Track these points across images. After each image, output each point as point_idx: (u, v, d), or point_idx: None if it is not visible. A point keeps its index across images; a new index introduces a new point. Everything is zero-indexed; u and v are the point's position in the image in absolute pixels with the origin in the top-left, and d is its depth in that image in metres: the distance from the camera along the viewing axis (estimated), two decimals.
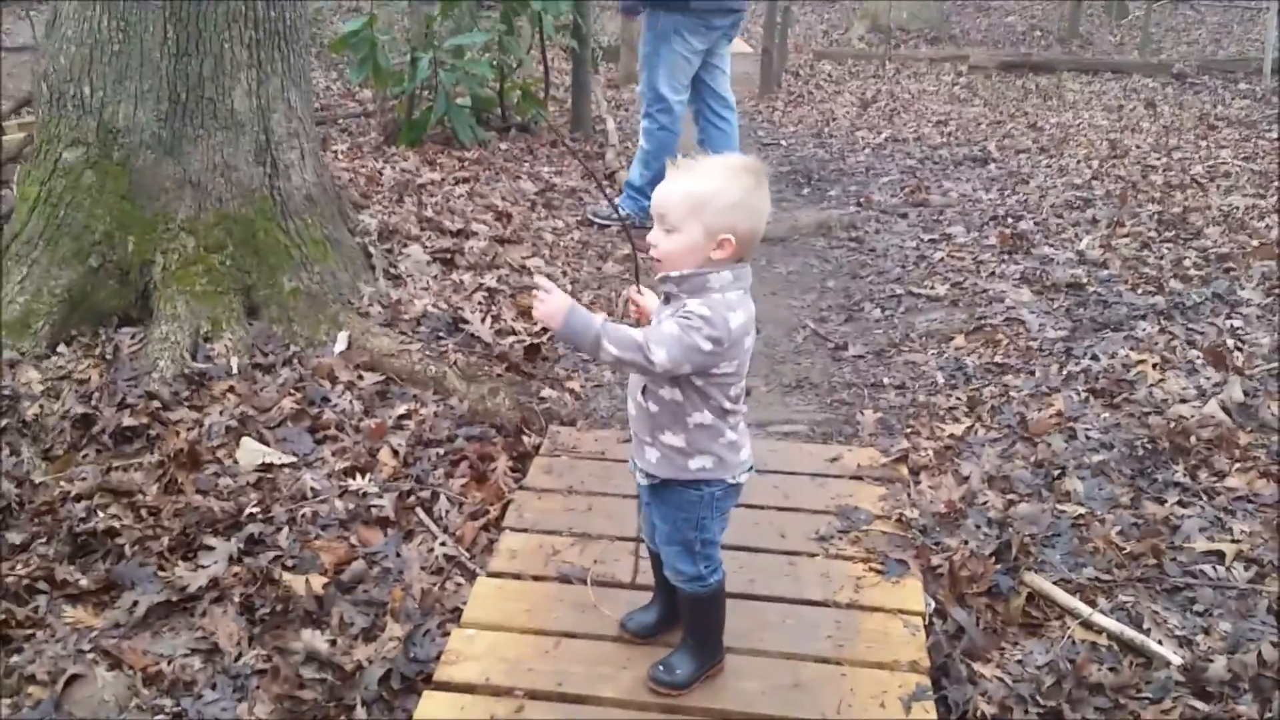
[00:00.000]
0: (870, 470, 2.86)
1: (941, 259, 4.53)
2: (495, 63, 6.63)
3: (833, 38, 13.86)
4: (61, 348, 3.25)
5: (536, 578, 2.42)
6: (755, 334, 1.94)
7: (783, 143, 7.48)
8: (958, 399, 3.31)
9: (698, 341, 1.80)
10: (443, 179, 5.29)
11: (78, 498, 2.58)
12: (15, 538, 2.43)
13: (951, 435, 3.08)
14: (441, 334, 3.54)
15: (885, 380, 3.50)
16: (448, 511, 2.68)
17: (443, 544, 2.56)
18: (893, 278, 4.39)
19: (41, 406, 2.98)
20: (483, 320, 3.62)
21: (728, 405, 1.92)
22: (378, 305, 3.61)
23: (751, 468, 2.03)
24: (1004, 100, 9.09)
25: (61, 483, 2.66)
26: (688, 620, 2.12)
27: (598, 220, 5.02)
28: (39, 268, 3.30)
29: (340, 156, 5.70)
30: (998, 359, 3.52)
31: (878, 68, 11.42)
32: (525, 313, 3.81)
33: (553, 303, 1.88)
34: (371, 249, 3.91)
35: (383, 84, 6.31)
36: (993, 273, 4.32)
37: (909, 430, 3.14)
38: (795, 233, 5.00)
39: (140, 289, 3.40)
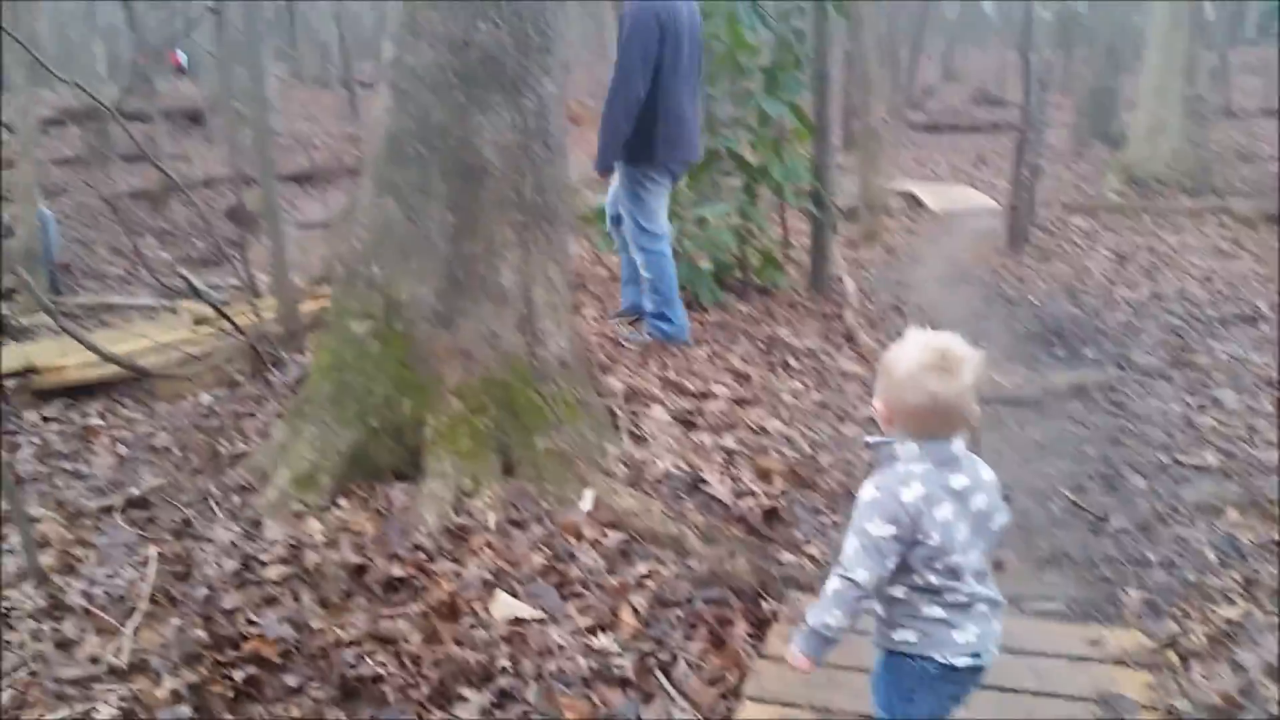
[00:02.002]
0: (1135, 655, 2.66)
1: (1210, 426, 4.23)
2: (736, 229, 6.91)
3: (1085, 191, 13.49)
4: (342, 501, 3.57)
5: None
6: (973, 511, 1.93)
7: (1032, 300, 7.28)
8: (1232, 579, 3.04)
9: (868, 528, 1.87)
10: (695, 344, 5.49)
11: (348, 643, 2.80)
12: (291, 680, 2.65)
13: (1226, 619, 2.82)
14: (682, 494, 3.63)
15: (1151, 556, 3.27)
16: (686, 676, 2.70)
17: (681, 710, 2.57)
18: (1157, 445, 4.14)
19: (322, 556, 3.27)
20: (722, 481, 3.69)
21: (927, 581, 1.92)
22: (622, 465, 3.75)
23: (978, 654, 1.95)
24: (1273, 254, 8.49)
25: (335, 628, 2.89)
26: None
27: (626, 341, 5.24)
28: (326, 427, 3.68)
29: (590, 321, 6.05)
30: (1276, 536, 3.22)
31: (1134, 221, 10.98)
32: (764, 474, 3.85)
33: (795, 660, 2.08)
34: (617, 410, 4.10)
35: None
36: (1268, 441, 3.98)
37: (1178, 612, 2.91)
38: (1048, 395, 4.82)
39: (413, 447, 3.70)
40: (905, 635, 1.95)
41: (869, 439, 1.97)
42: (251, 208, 10.36)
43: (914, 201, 14.21)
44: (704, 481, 3.66)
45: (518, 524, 3.44)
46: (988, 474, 2.01)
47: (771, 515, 3.53)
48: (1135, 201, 12.03)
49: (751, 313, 6.39)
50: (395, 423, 3.70)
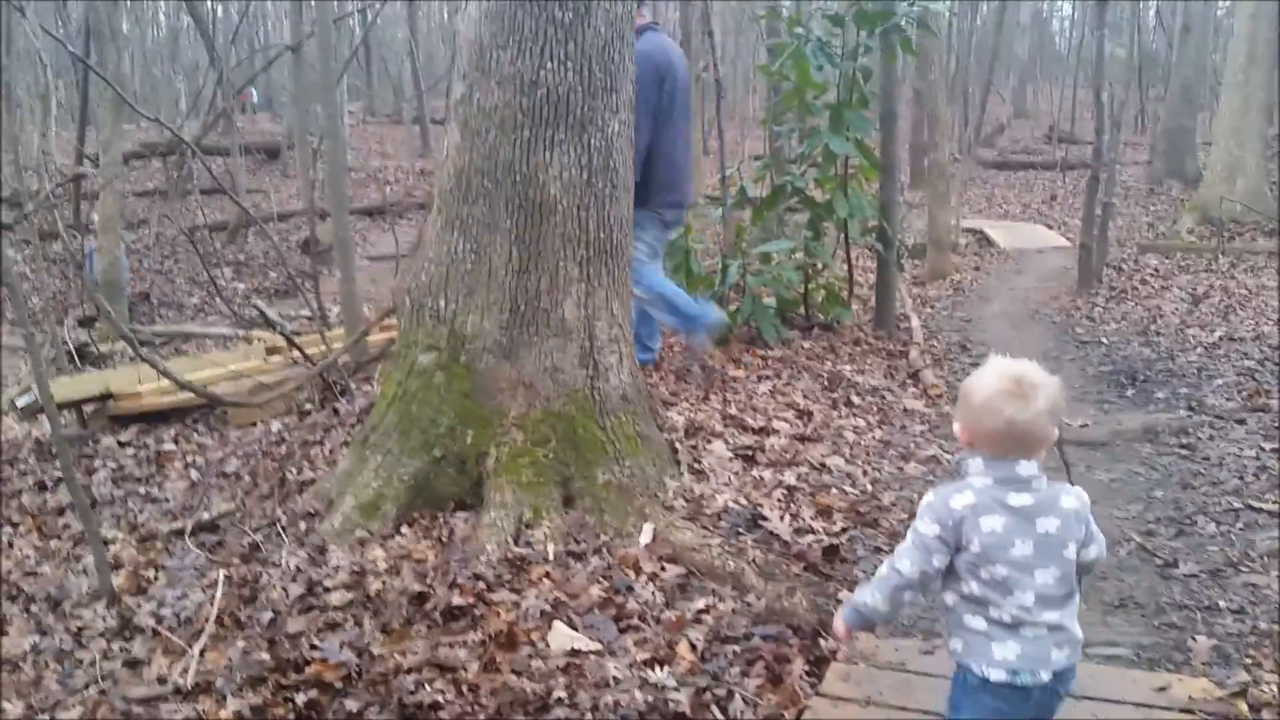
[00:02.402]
0: (1204, 704, 2.58)
1: None
2: (800, 265, 6.92)
3: (1158, 230, 13.26)
4: (405, 529, 3.63)
5: None
6: (1040, 532, 2.00)
7: (1104, 341, 7.15)
8: None
9: (918, 526, 2.05)
10: (747, 376, 5.50)
11: (408, 670, 2.83)
12: (352, 705, 2.69)
13: None
14: (741, 530, 3.62)
15: (1221, 603, 3.17)
16: (742, 713, 2.68)
17: None
18: (1229, 490, 4.02)
19: (384, 583, 3.32)
20: (781, 518, 3.68)
21: (972, 591, 2.01)
22: (681, 499, 3.76)
23: (1017, 672, 1.99)
24: None
25: (395, 655, 2.93)
26: None
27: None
28: (391, 456, 3.74)
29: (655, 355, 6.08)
30: None
31: (1209, 261, 10.75)
32: (824, 511, 3.83)
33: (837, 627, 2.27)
34: (678, 445, 4.11)
35: (694, 288, 6.74)
36: None
37: (1249, 661, 2.82)
38: (1118, 437, 4.72)
39: (475, 478, 3.75)
40: (955, 644, 2.09)
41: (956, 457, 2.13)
42: (324, 241, 10.66)
43: (983, 239, 14.09)
44: (764, 518, 3.65)
45: (576, 556, 3.46)
46: (1071, 503, 2.05)
47: (831, 553, 3.50)
48: (1210, 242, 11.78)
49: (815, 349, 6.38)
50: (458, 453, 3.76)
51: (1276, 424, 4.77)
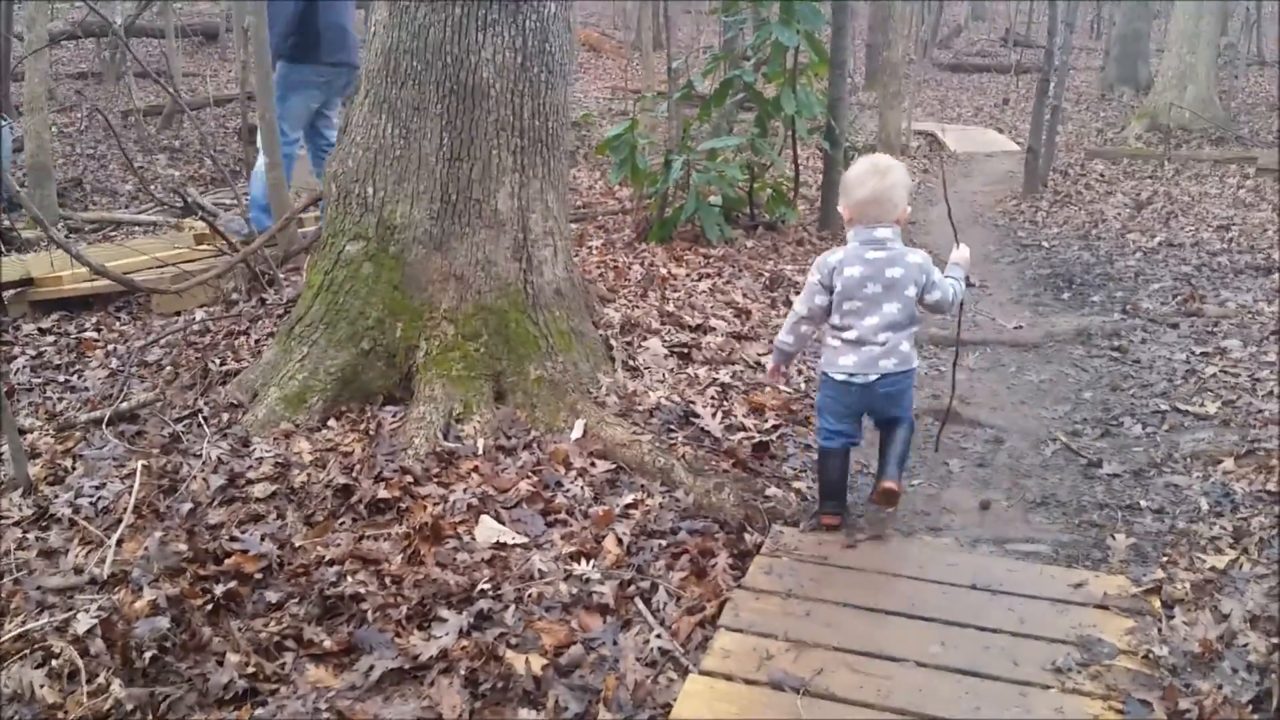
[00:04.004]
0: (1118, 600, 2.64)
1: (1213, 374, 4.16)
2: (747, 163, 6.81)
3: (1107, 136, 13.26)
4: (331, 422, 3.56)
5: (748, 681, 2.37)
6: (887, 277, 2.88)
7: (1044, 245, 7.18)
8: (1222, 528, 3.00)
9: (809, 277, 3.02)
10: (687, 274, 5.44)
11: (330, 562, 2.80)
12: (272, 596, 2.65)
13: (1213, 568, 2.79)
14: (673, 426, 3.60)
15: (1142, 503, 3.23)
16: (665, 604, 2.69)
17: (658, 636, 2.57)
18: (1158, 392, 4.08)
19: (309, 475, 3.27)
20: (714, 415, 3.66)
21: (835, 321, 2.97)
22: (614, 395, 3.73)
23: (852, 375, 2.94)
24: None
25: (318, 547, 2.89)
26: None
27: (228, 235, 5.39)
28: (318, 348, 3.65)
29: (594, 252, 5.99)
30: (1270, 487, 3.17)
31: (1155, 168, 10.80)
32: (757, 409, 3.82)
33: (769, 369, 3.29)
34: (613, 342, 4.06)
35: (639, 184, 6.62)
36: (1270, 392, 3.92)
37: (1165, 559, 2.88)
38: (1051, 339, 4.75)
39: (404, 371, 3.69)
40: (821, 357, 3.06)
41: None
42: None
43: (934, 142, 14.00)
44: (696, 415, 3.63)
45: (506, 451, 3.43)
46: (916, 258, 2.92)
47: (761, 449, 3.51)
48: (1157, 148, 11.82)
49: (757, 248, 6.33)
50: (387, 346, 3.68)
51: (1209, 328, 4.83)
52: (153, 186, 9.38)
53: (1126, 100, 16.21)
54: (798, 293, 5.43)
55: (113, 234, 7.79)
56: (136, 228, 7.62)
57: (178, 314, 4.73)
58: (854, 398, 2.97)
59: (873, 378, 2.90)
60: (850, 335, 2.91)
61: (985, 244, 7.46)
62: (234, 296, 4.69)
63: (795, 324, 3.08)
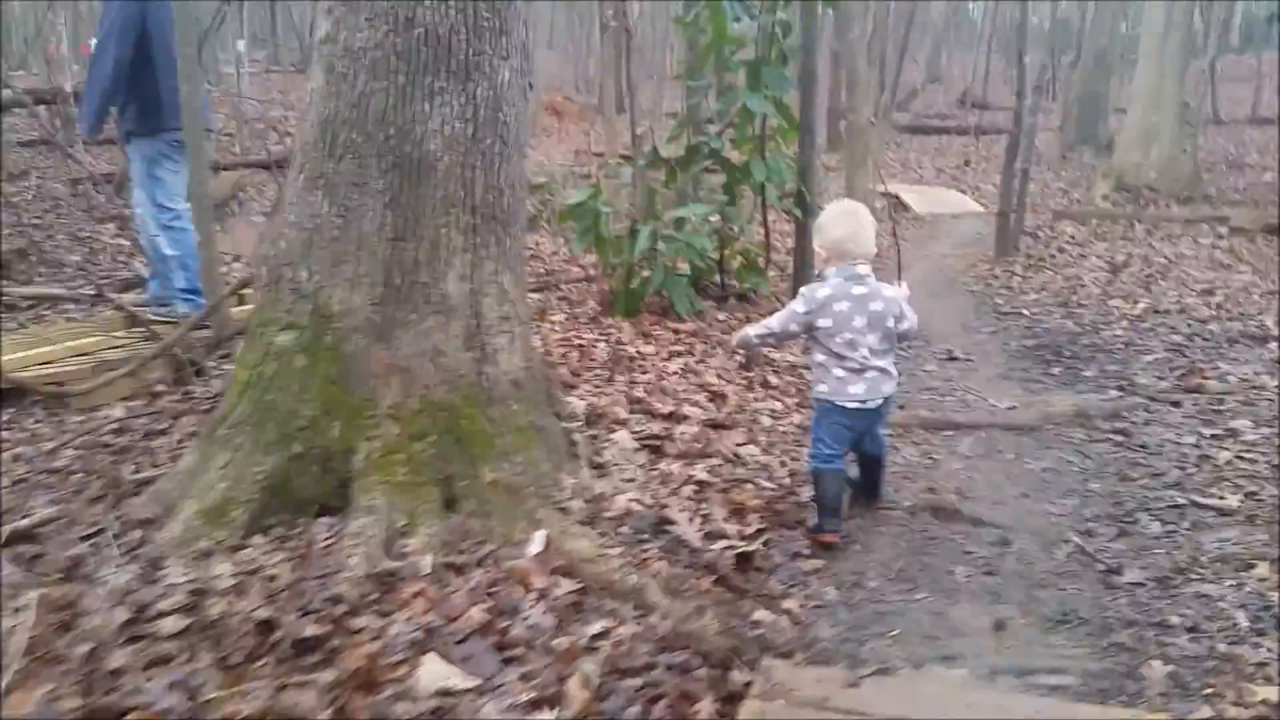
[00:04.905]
0: None
1: (1229, 460, 3.84)
2: (716, 231, 6.51)
3: (1074, 197, 13.17)
4: (257, 538, 3.13)
5: None
6: (870, 310, 3.22)
7: (1025, 313, 6.91)
8: (1269, 651, 2.66)
9: (792, 305, 3.29)
10: (657, 352, 5.09)
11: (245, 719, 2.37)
12: None
13: (1264, 701, 2.44)
14: (645, 536, 3.21)
15: (1174, 619, 2.87)
16: None
17: None
18: (1171, 482, 3.74)
19: (228, 604, 2.84)
20: (691, 520, 3.28)
21: (832, 349, 3.23)
22: (579, 499, 3.33)
23: (864, 402, 3.25)
24: (1273, 267, 8.17)
25: (233, 699, 2.46)
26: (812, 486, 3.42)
27: (159, 317, 5.18)
28: (243, 453, 3.24)
29: (557, 327, 5.64)
30: None
31: (1126, 229, 10.67)
32: (738, 511, 3.45)
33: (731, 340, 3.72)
34: (577, 436, 3.68)
35: (605, 254, 6.30)
36: None
37: (1210, 690, 2.51)
38: (1048, 421, 4.42)
39: (341, 477, 3.27)
40: (821, 388, 3.30)
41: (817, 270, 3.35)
42: (218, 194, 9.90)
43: (898, 204, 13.88)
44: (670, 522, 3.24)
45: (457, 569, 3.02)
46: (890, 292, 3.28)
47: (745, 561, 3.12)
48: (1126, 209, 11.72)
49: (730, 321, 6.00)
50: (322, 448, 3.27)
51: (1213, 406, 4.53)
52: (100, 256, 8.95)
53: (1087, 160, 16.25)
54: (776, 372, 5.13)
55: (46, 311, 7.33)
56: (71, 305, 7.16)
57: (97, 409, 4.28)
58: (861, 421, 3.30)
59: (878, 402, 3.25)
60: (853, 365, 3.20)
61: (964, 312, 7.19)
62: (160, 389, 4.26)
63: (765, 335, 3.45)
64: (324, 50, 3.35)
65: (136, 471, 3.51)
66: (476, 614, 2.81)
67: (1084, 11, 20.41)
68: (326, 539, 3.13)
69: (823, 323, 3.20)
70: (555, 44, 34.48)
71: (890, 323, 3.24)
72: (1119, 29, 19.86)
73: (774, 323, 3.35)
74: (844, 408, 3.25)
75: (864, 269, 3.23)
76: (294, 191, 3.42)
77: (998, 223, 9.48)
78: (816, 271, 3.45)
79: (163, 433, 3.83)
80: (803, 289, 3.29)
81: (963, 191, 15.00)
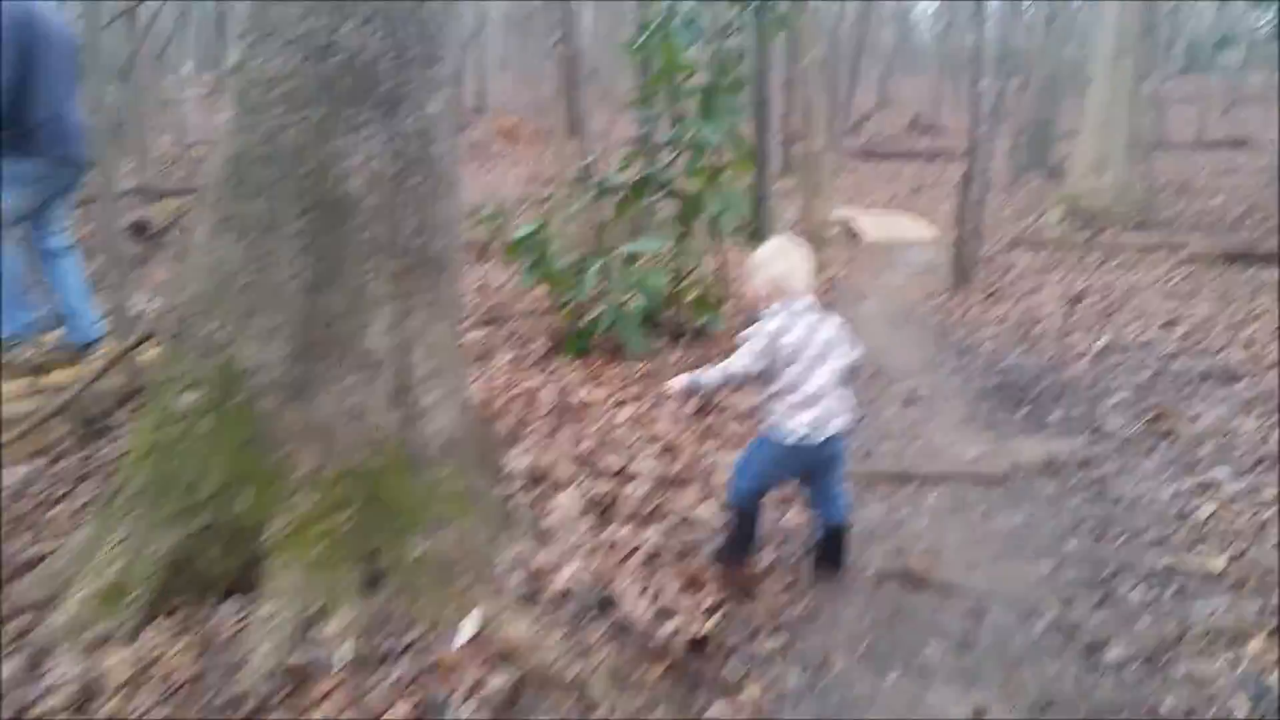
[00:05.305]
0: None
1: (1209, 516, 3.63)
2: (669, 265, 6.25)
3: (1027, 222, 13.10)
4: (157, 622, 2.80)
5: None
6: (820, 340, 3.09)
7: (984, 348, 6.71)
8: None
9: (751, 344, 3.08)
10: (607, 397, 4.81)
11: None
12: None
13: None
14: (589, 615, 2.91)
15: (1166, 701, 2.64)
16: None
17: None
18: (1150, 540, 3.52)
19: (119, 704, 2.51)
20: (640, 595, 2.99)
21: (783, 382, 3.06)
22: (517, 574, 3.04)
23: (805, 436, 3.06)
24: (1234, 296, 8.07)
25: None
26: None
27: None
28: (142, 526, 2.90)
29: (500, 371, 5.34)
30: None
31: (1080, 257, 10.58)
32: (692, 583, 3.16)
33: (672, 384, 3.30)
34: (516, 500, 3.38)
35: (556, 288, 6.02)
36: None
37: None
38: (1017, 471, 4.19)
39: (251, 554, 2.95)
40: (766, 423, 3.13)
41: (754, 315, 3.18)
42: (157, 222, 9.45)
43: (849, 231, 13.74)
44: (615, 601, 2.95)
45: (378, 660, 2.71)
46: (836, 322, 3.16)
47: (699, 647, 2.83)
48: (1080, 236, 11.65)
49: (684, 360, 5.73)
50: (230, 521, 2.95)
51: (1189, 452, 4.33)
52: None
53: (1037, 185, 16.25)
54: (735, 419, 4.86)
55: None
56: None
57: None
58: (799, 459, 3.14)
59: (822, 439, 3.08)
60: (799, 397, 3.05)
61: (923, 347, 6.98)
62: (64, 448, 3.89)
63: (729, 377, 3.14)
64: (236, 79, 3.05)
65: (27, 546, 3.16)
66: (401, 711, 2.52)
67: (1032, 36, 20.56)
68: (234, 624, 2.81)
69: (775, 356, 3.06)
70: (509, 66, 34.21)
71: (841, 352, 3.14)
72: (1065, 53, 19.97)
73: (736, 364, 3.11)
74: (782, 445, 3.09)
75: (805, 303, 3.12)
76: (201, 236, 3.11)
77: (953, 252, 9.33)
78: (754, 314, 3.21)
79: (61, 499, 3.47)
80: (750, 329, 3.12)
81: (916, 217, 14.91)
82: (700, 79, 6.10)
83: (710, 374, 3.18)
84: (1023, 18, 25.13)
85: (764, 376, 3.09)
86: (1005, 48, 22.61)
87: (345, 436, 3.00)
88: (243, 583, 2.92)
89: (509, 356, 5.60)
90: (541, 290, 7.14)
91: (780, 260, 3.13)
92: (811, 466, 3.19)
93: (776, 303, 3.09)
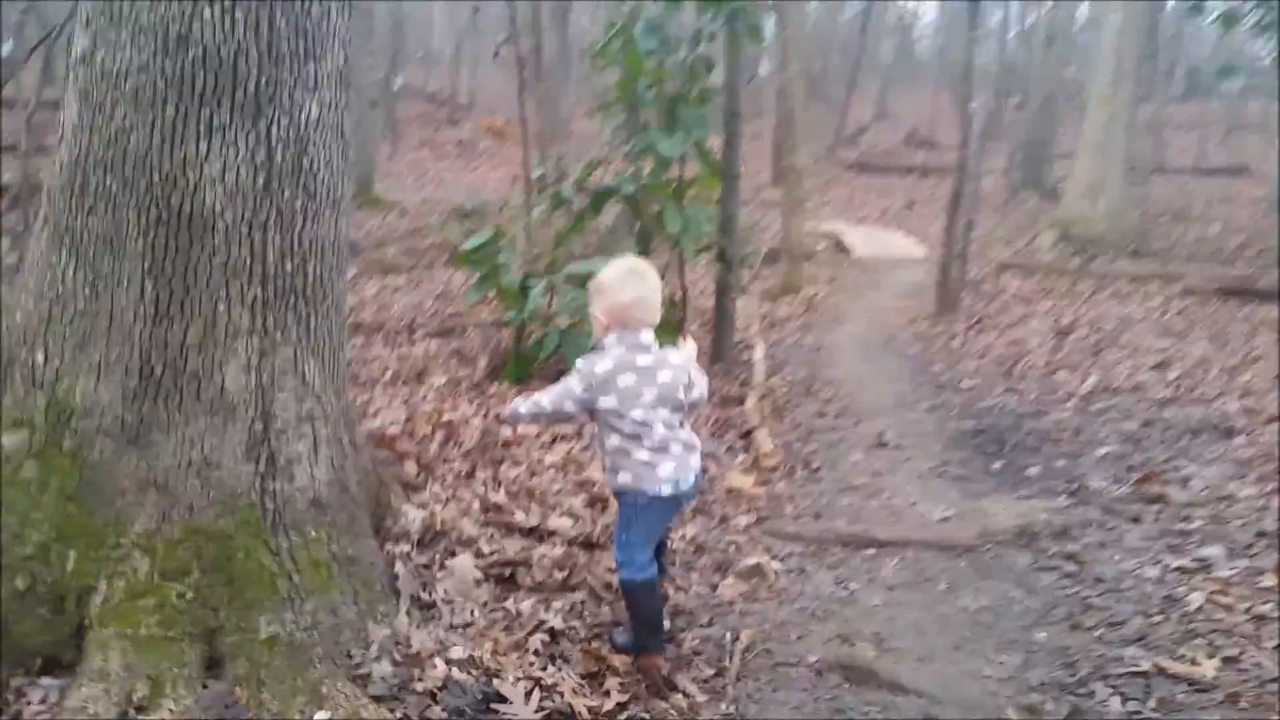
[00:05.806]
0: None
1: (1199, 606, 3.19)
2: None
3: (1018, 246, 12.70)
4: None
5: None
6: (660, 383, 2.73)
7: (964, 386, 6.28)
8: None
9: (569, 383, 2.77)
10: (538, 434, 4.37)
11: None
12: None
13: None
14: (464, 716, 2.46)
15: None
16: None
17: None
18: (1131, 634, 3.06)
19: None
20: (530, 693, 2.54)
21: (626, 432, 2.71)
22: (387, 659, 2.58)
23: (677, 483, 2.73)
24: (1231, 335, 7.66)
25: None
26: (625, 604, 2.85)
27: None
28: None
29: (431, 396, 4.89)
30: None
31: (1072, 284, 10.17)
32: (597, 672, 2.72)
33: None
34: (403, 564, 2.94)
35: (508, 304, 5.59)
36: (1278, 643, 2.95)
37: None
38: (987, 539, 3.74)
39: (75, 623, 2.52)
40: (623, 477, 2.75)
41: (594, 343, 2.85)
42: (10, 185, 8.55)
43: (838, 245, 13.35)
44: (500, 700, 2.50)
45: None
46: (677, 360, 2.81)
47: None
48: (1073, 262, 11.25)
49: None
50: (53, 585, 2.53)
51: (1178, 523, 3.89)
52: None
53: (1031, 206, 15.88)
54: None
55: None
56: None
57: None
58: (669, 509, 2.86)
59: (688, 484, 2.79)
60: (651, 443, 2.71)
61: (899, 379, 6.56)
62: None
63: (538, 415, 2.83)
64: (79, 73, 2.61)
65: None
66: None
67: (1032, 55, 20.20)
68: (46, 710, 2.37)
69: (606, 402, 2.69)
70: (506, 64, 33.71)
71: (680, 394, 2.76)
72: (1065, 73, 19.59)
73: (545, 400, 2.79)
74: (658, 497, 2.72)
75: (648, 336, 2.74)
76: (36, 252, 2.68)
77: (939, 276, 8.91)
78: (593, 342, 2.84)
79: None
80: (579, 362, 2.75)
81: (907, 233, 14.51)
82: (669, 88, 5.67)
83: (526, 402, 2.84)
84: (1023, 36, 24.84)
85: (606, 422, 2.73)
86: (1004, 65, 22.26)
87: (189, 491, 2.57)
88: (66, 656, 2.49)
89: (443, 380, 5.16)
90: (490, 307, 6.72)
91: (628, 287, 2.73)
92: (669, 519, 2.95)
93: (614, 334, 2.72)
